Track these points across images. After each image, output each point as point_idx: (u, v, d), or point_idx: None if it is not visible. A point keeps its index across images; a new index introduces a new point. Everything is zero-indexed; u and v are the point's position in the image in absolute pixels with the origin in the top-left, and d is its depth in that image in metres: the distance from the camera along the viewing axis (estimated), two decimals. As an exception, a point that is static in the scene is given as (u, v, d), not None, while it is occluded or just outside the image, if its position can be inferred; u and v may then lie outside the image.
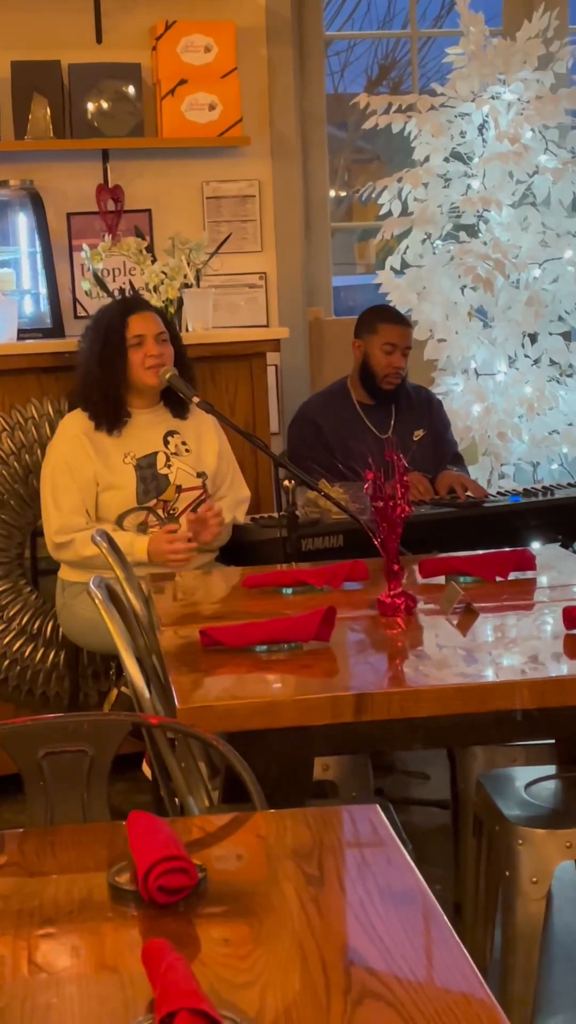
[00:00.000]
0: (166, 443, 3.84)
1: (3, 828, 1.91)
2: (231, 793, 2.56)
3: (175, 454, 3.83)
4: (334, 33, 6.29)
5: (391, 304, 4.74)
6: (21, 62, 4.64)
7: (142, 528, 3.77)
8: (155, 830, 1.67)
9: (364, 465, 2.84)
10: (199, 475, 3.85)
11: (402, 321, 4.45)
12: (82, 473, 3.74)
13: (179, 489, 3.81)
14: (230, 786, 2.57)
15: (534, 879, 2.48)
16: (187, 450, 3.85)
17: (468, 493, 4.24)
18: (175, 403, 3.85)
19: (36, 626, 4.12)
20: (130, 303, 3.92)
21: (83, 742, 2.06)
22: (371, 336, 4.40)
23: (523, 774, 2.76)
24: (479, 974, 1.40)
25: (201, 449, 3.87)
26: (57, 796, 2.05)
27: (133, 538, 3.69)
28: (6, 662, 4.11)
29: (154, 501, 3.79)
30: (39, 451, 4.01)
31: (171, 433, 3.85)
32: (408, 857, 1.70)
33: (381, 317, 4.43)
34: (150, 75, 4.79)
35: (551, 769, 2.80)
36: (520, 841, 2.49)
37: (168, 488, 3.80)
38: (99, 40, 4.77)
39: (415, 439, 4.39)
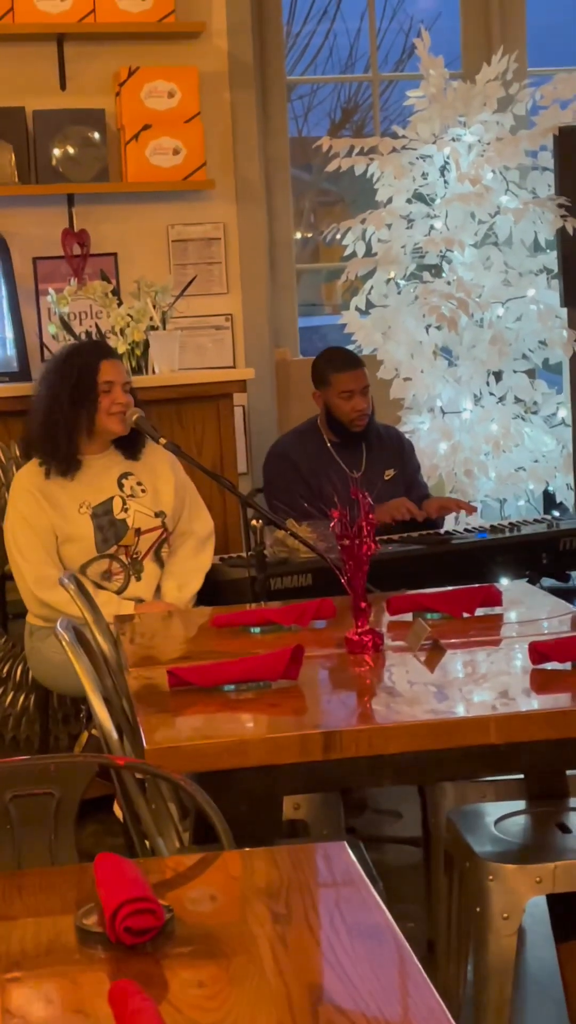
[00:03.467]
0: (120, 486, 3.81)
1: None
2: (202, 834, 2.55)
3: (131, 496, 3.81)
4: (296, 78, 6.35)
5: (341, 347, 4.74)
6: (-15, 109, 4.67)
7: (106, 576, 3.76)
8: (122, 871, 1.67)
9: (332, 504, 2.85)
10: (157, 514, 3.84)
11: (352, 364, 4.46)
12: (41, 526, 3.71)
13: (138, 532, 3.80)
14: (201, 827, 2.57)
15: (505, 915, 2.48)
16: (143, 490, 3.83)
17: (463, 512, 4.38)
18: (126, 445, 3.82)
19: (5, 670, 4.11)
20: (102, 348, 3.91)
21: (50, 784, 2.05)
22: (326, 388, 4.44)
23: (493, 810, 2.76)
24: (447, 1012, 1.40)
25: (157, 487, 3.85)
26: (24, 839, 2.04)
27: (119, 604, 3.68)
28: (-24, 707, 4.09)
29: (115, 548, 3.78)
30: (5, 493, 4.00)
31: (125, 475, 3.83)
32: (376, 894, 1.70)
33: (330, 366, 4.46)
34: (114, 120, 4.82)
35: (521, 804, 2.80)
36: (490, 877, 2.49)
37: (127, 533, 3.79)
38: (63, 86, 4.80)
39: (385, 478, 4.43)
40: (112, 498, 3.79)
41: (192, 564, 3.87)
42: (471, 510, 4.50)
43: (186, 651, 3.12)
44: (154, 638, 3.23)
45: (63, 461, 3.74)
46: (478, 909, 2.51)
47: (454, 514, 4.63)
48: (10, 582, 4.14)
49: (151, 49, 4.84)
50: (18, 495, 3.77)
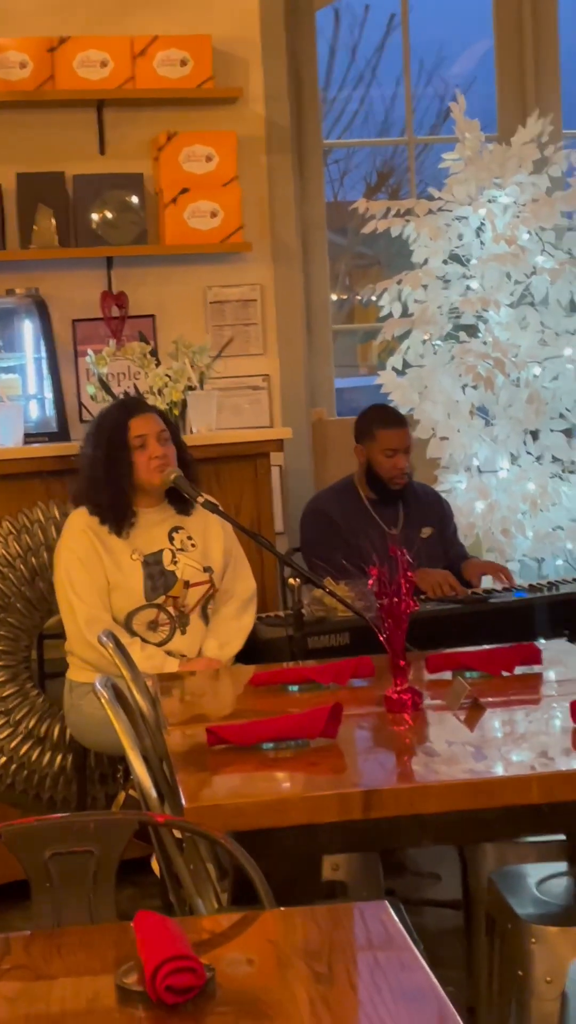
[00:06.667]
0: (171, 539, 3.84)
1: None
2: (240, 894, 2.53)
3: (181, 550, 3.84)
4: (333, 141, 6.42)
5: (388, 404, 4.78)
6: (27, 174, 4.74)
7: (152, 626, 3.77)
8: (162, 929, 1.66)
9: (370, 561, 2.85)
10: (206, 569, 3.85)
11: (399, 423, 4.48)
12: (94, 567, 3.74)
13: (187, 584, 3.82)
14: (239, 888, 2.55)
15: (548, 978, 2.44)
16: (193, 545, 3.86)
17: (502, 584, 4.36)
18: (179, 500, 3.86)
19: (43, 729, 4.11)
20: (130, 405, 3.95)
21: (89, 842, 2.04)
22: (371, 442, 4.44)
23: (535, 871, 2.73)
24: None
25: (207, 543, 3.88)
26: (64, 897, 2.03)
27: (164, 659, 3.69)
28: (13, 766, 4.08)
29: (163, 598, 3.79)
30: (45, 554, 4.02)
31: (176, 529, 3.86)
32: (419, 955, 1.68)
33: (378, 422, 4.47)
34: (153, 184, 4.88)
35: (563, 866, 2.77)
36: (533, 940, 2.46)
37: (176, 584, 3.81)
38: (102, 151, 4.87)
39: (423, 536, 4.43)
40: (162, 551, 3.81)
41: (235, 625, 3.88)
42: (508, 576, 4.47)
43: (224, 710, 3.12)
44: (193, 696, 3.23)
45: (115, 521, 3.77)
46: (520, 973, 2.47)
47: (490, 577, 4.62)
48: (48, 640, 4.15)
49: (189, 114, 4.90)
50: (73, 536, 3.79)
